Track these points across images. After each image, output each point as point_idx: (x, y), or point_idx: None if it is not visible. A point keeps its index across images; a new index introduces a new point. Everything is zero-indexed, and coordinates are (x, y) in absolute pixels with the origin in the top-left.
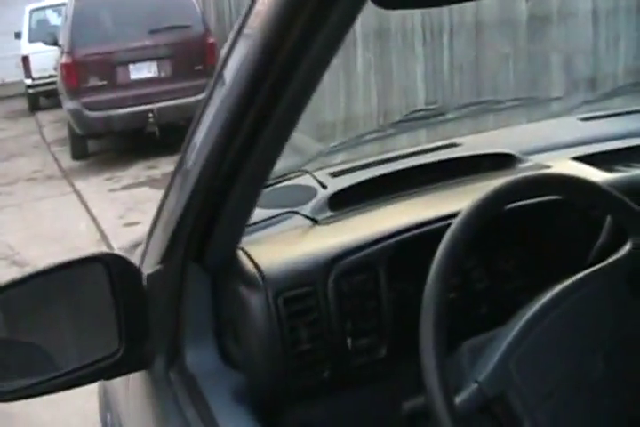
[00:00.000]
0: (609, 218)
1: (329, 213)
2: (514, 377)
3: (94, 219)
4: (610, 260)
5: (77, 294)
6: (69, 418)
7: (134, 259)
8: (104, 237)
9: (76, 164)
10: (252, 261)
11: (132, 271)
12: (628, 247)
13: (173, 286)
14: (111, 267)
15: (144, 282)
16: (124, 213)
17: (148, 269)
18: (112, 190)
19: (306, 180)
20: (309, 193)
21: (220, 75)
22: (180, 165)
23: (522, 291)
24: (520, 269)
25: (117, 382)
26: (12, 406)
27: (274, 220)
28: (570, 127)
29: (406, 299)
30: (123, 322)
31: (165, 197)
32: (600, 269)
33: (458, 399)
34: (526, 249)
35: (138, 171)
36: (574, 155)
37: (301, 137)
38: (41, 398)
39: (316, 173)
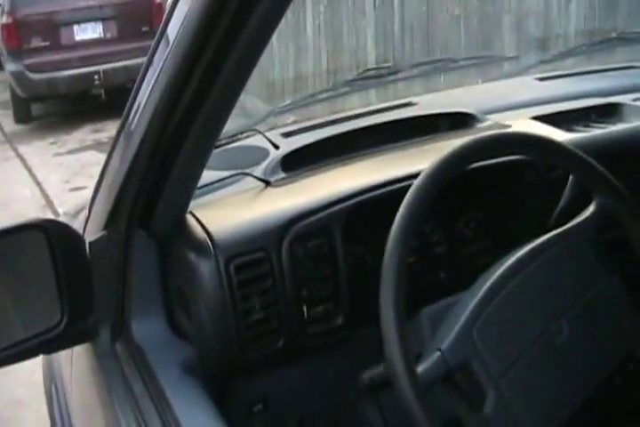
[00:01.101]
0: (572, 179)
1: (282, 175)
2: (477, 345)
3: (39, 184)
4: (573, 222)
5: (17, 263)
6: (15, 388)
7: (77, 225)
8: (49, 203)
9: (20, 128)
10: (202, 225)
11: (73, 239)
12: (592, 209)
13: (118, 254)
14: (51, 234)
15: (87, 250)
16: (69, 178)
17: (90, 236)
18: (57, 154)
19: (257, 140)
20: (261, 154)
21: (164, 33)
22: (123, 125)
23: (482, 255)
24: (480, 232)
25: (62, 355)
26: None
27: (224, 182)
28: (527, 87)
29: (363, 264)
30: (64, 293)
31: (108, 159)
32: (563, 231)
33: (419, 369)
34: (486, 212)
35: (84, 134)
36: (533, 114)
37: (249, 98)
38: None
39: (267, 134)
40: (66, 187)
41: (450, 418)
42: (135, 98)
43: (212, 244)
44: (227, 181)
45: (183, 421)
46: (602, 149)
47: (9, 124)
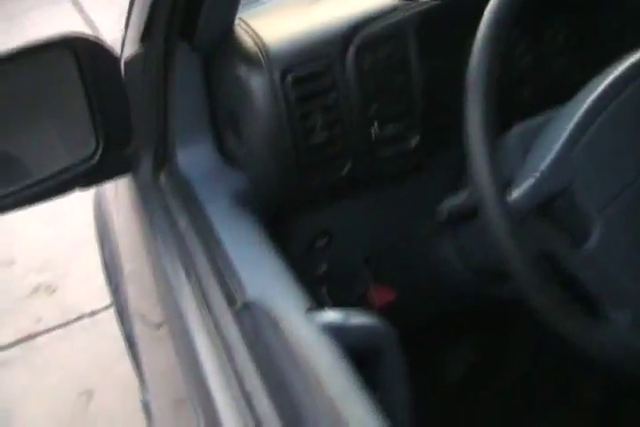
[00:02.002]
0: None
1: None
2: (578, 169)
3: (94, 27)
4: None
5: (45, 88)
6: (77, 233)
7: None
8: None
9: None
10: (253, 34)
11: (106, 57)
12: None
13: (157, 72)
14: (80, 53)
15: (122, 70)
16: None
17: (127, 54)
18: None
19: None
20: None
21: None
22: None
23: (571, 71)
24: (571, 43)
25: (107, 191)
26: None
27: None
28: None
29: (441, 78)
30: (98, 120)
31: None
32: None
33: (513, 196)
34: (580, 19)
35: None
36: None
37: None
38: (40, 216)
39: None
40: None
41: (545, 255)
42: None
43: (266, 54)
44: None
45: (234, 256)
46: None
47: None
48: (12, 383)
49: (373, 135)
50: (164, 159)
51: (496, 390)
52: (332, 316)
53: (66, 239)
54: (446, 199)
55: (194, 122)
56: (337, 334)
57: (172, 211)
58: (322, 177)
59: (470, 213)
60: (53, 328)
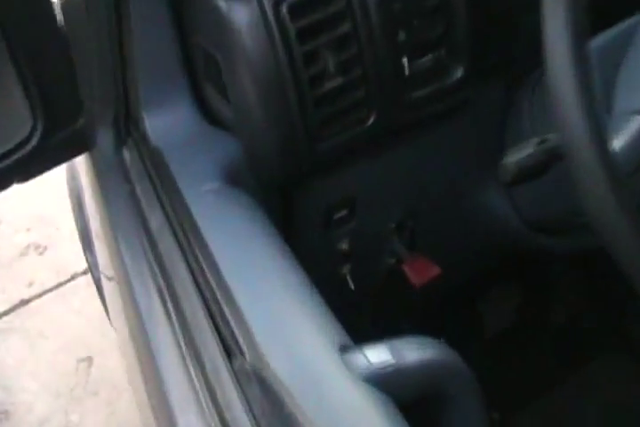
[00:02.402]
0: None
1: None
2: None
3: None
4: None
5: None
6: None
7: None
8: None
9: None
10: None
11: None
12: None
13: (107, 10)
14: None
15: (57, 14)
16: None
17: None
18: None
19: None
20: None
21: None
22: None
23: None
24: None
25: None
26: None
27: None
28: None
29: None
30: (32, 88)
31: None
32: None
33: (615, 145)
34: None
35: None
36: None
37: None
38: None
39: None
40: None
41: None
42: None
43: None
44: None
45: (229, 273)
46: None
47: None
48: (8, 354)
49: (406, 71)
50: (127, 129)
51: (537, 346)
52: (378, 353)
53: (54, 196)
54: (509, 153)
55: (162, 75)
56: (388, 381)
57: (140, 201)
58: (339, 135)
59: (545, 168)
60: (47, 291)
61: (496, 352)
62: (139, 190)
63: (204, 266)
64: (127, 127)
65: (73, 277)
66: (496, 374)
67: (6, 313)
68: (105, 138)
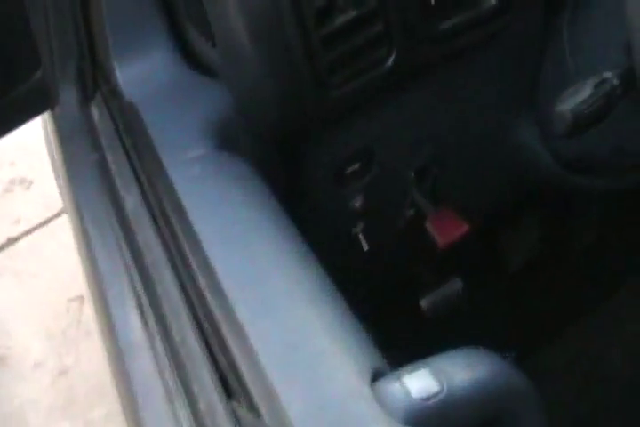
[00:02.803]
0: None
1: None
2: None
3: None
4: None
5: None
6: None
7: None
8: None
9: None
10: None
11: None
12: None
13: None
14: None
15: None
16: None
17: None
18: None
19: None
20: None
21: None
22: None
23: None
24: None
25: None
26: None
27: None
28: None
29: None
30: None
31: None
32: None
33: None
34: None
35: None
36: None
37: None
38: None
39: None
40: None
41: None
42: None
43: None
44: None
45: (210, 247)
46: None
47: None
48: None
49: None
50: (94, 82)
51: (562, 276)
52: (419, 380)
53: (38, 127)
54: (562, 98)
55: (133, 14)
56: (434, 417)
57: (111, 175)
58: (353, 80)
59: (606, 113)
60: (35, 228)
61: (519, 287)
62: (110, 160)
63: (195, 267)
64: (95, 80)
65: (61, 213)
66: (518, 310)
67: None
68: (68, 94)
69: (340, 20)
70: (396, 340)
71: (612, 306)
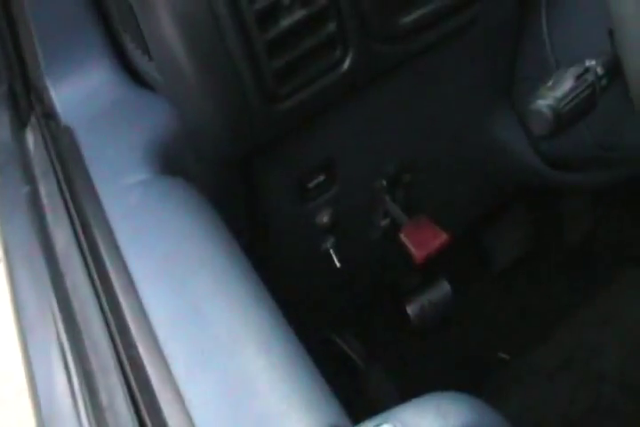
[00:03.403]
0: None
1: None
2: None
3: None
4: None
5: None
6: None
7: None
8: None
9: None
10: None
11: None
12: None
13: None
14: None
15: None
16: None
17: None
18: None
19: None
20: None
21: None
22: None
23: None
24: None
25: None
26: None
27: None
28: None
29: None
30: None
31: None
32: None
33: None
34: None
35: None
36: None
37: None
38: None
39: None
40: None
41: None
42: None
43: None
44: None
45: (147, 293)
46: None
47: None
48: None
49: None
50: (28, 105)
51: (550, 273)
52: None
53: None
54: (538, 93)
55: (66, 27)
56: None
57: (43, 210)
58: (305, 89)
59: (590, 106)
60: None
61: (507, 286)
62: (42, 193)
63: (126, 314)
64: (28, 102)
65: None
66: (508, 310)
67: None
68: (0, 119)
69: (286, 21)
70: (383, 350)
71: (604, 302)
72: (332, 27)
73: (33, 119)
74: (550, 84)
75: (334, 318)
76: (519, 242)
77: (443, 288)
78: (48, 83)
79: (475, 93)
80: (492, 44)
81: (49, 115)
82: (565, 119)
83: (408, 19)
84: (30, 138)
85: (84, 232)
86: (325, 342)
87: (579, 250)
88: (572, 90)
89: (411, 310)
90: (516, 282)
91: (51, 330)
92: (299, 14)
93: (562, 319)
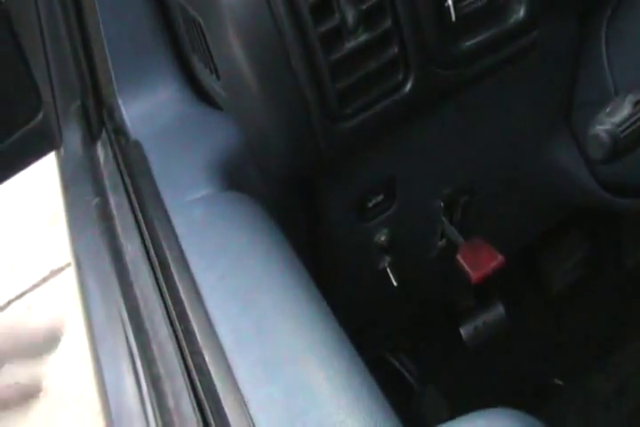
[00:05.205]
0: None
1: None
2: None
3: None
4: None
5: None
6: None
7: None
8: None
9: None
10: None
11: None
12: None
13: None
14: None
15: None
16: None
17: None
18: None
19: None
20: None
21: None
22: None
23: None
24: None
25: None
26: None
27: None
28: None
29: None
30: None
31: None
32: None
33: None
34: None
35: None
36: None
37: None
38: None
39: None
40: None
41: None
42: None
43: None
44: None
45: (198, 275)
46: None
47: None
48: None
49: (452, 16)
50: (99, 120)
51: (605, 299)
52: None
53: None
54: (597, 118)
55: (137, 48)
56: None
57: (113, 222)
58: (367, 110)
59: None
60: None
61: (562, 310)
62: (112, 205)
63: (193, 324)
64: (100, 118)
65: None
66: (563, 334)
67: None
68: (72, 134)
69: (350, 44)
70: (436, 370)
71: None
72: (394, 50)
73: (104, 134)
74: (609, 109)
75: (389, 337)
76: (576, 266)
77: (497, 310)
78: (120, 101)
79: (534, 119)
80: (552, 69)
81: (119, 130)
82: (623, 145)
83: (469, 43)
84: (101, 152)
85: (153, 243)
86: (379, 361)
87: (636, 276)
88: (630, 116)
89: (464, 330)
90: (571, 307)
91: (120, 337)
92: (362, 37)
93: (618, 346)
